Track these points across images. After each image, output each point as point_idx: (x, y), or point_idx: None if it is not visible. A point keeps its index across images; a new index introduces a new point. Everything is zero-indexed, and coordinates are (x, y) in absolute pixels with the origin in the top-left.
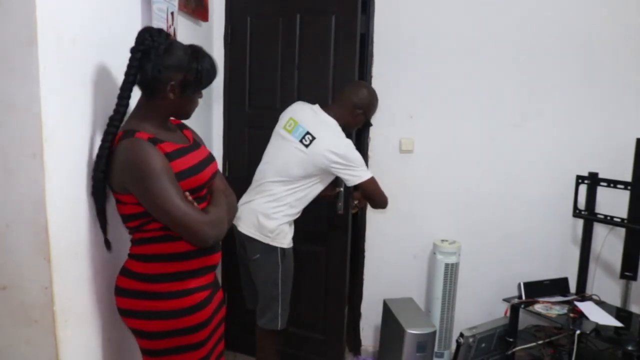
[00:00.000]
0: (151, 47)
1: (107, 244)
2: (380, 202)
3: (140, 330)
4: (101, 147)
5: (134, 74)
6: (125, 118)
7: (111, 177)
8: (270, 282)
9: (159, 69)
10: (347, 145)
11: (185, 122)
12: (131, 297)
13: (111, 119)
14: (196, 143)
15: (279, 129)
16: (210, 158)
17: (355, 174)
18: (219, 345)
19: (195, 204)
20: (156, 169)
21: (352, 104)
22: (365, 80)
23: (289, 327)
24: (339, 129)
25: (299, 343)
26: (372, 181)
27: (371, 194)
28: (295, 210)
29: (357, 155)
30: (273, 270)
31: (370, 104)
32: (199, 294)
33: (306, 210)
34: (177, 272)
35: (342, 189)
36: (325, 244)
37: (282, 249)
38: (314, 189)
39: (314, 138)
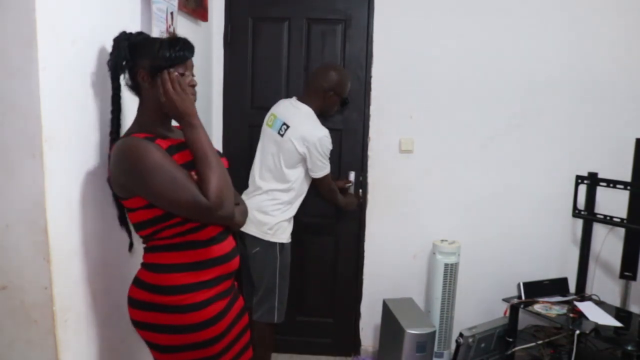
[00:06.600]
0: (117, 57)
1: (131, 247)
2: (328, 197)
3: (153, 342)
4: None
5: (116, 87)
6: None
7: (113, 182)
8: (268, 274)
9: (129, 66)
10: (320, 133)
11: None
12: (143, 309)
13: (109, 133)
14: None
15: (263, 126)
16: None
17: (319, 164)
18: (243, 355)
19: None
20: (155, 159)
21: (322, 89)
22: (365, 79)
23: (297, 316)
24: (314, 116)
25: (309, 329)
26: (325, 178)
27: (321, 190)
28: (293, 206)
29: (326, 146)
30: (271, 263)
31: (339, 84)
32: (214, 305)
33: (315, 200)
34: (191, 283)
35: (353, 179)
36: (335, 231)
37: (281, 244)
38: (305, 182)
39: (287, 127)
